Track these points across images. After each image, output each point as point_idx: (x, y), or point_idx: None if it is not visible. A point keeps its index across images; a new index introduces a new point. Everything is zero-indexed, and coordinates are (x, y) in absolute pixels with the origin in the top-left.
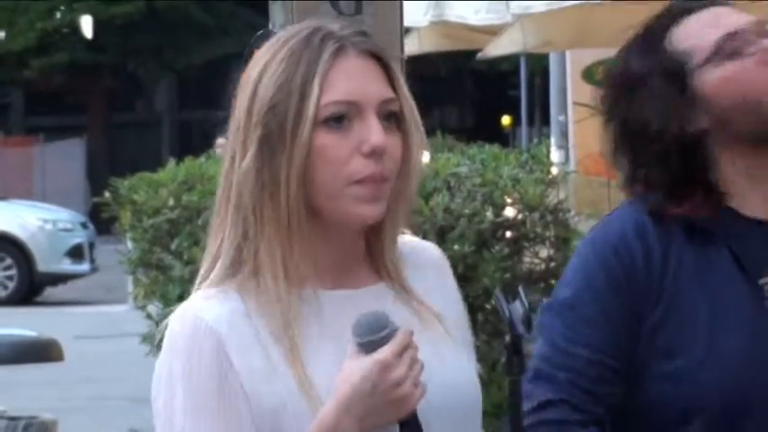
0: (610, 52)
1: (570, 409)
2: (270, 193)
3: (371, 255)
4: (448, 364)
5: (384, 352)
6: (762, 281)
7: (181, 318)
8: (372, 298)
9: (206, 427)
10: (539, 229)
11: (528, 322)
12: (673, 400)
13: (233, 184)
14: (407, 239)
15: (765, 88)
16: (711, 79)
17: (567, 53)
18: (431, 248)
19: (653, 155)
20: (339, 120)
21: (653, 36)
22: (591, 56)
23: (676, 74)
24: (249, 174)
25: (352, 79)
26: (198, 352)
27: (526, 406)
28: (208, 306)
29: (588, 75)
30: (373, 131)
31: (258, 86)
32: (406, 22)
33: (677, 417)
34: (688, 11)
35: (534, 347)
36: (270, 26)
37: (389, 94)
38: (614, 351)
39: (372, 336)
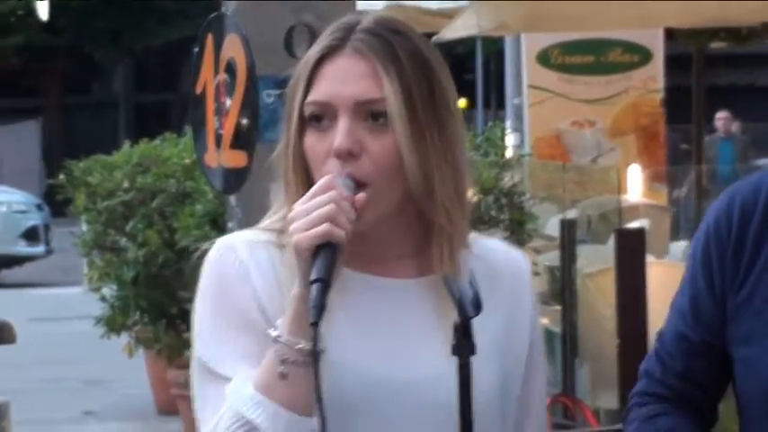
0: (565, 36)
1: (648, 381)
2: (285, 179)
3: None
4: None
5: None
6: None
7: (217, 245)
8: (399, 289)
9: (221, 335)
10: (493, 212)
11: (477, 304)
12: (740, 388)
13: None
14: (493, 246)
15: None
16: None
17: (523, 37)
18: (513, 259)
19: None
20: (318, 119)
21: None
22: (546, 39)
23: None
24: (278, 155)
25: (330, 80)
26: (220, 270)
27: None
28: (242, 238)
29: (543, 58)
30: (338, 134)
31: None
32: (361, 7)
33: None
34: None
35: None
36: (223, 9)
37: (371, 94)
38: (695, 323)
39: None
